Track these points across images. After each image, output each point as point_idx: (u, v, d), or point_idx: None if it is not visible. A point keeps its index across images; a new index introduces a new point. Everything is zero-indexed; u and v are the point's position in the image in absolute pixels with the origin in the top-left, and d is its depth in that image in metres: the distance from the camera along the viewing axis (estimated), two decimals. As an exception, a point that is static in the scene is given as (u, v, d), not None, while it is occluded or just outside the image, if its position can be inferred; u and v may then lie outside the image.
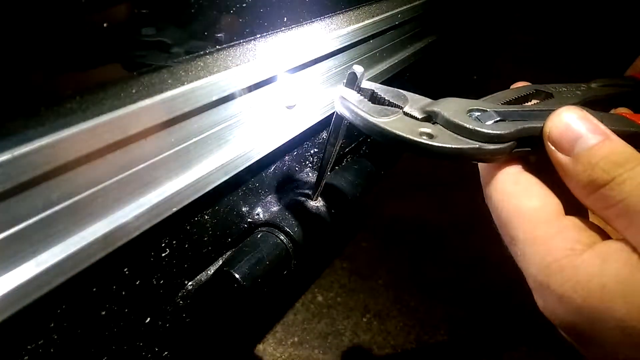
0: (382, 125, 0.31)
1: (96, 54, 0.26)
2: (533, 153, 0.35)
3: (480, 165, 0.35)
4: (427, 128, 0.32)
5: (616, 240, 0.27)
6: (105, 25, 0.25)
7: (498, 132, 0.32)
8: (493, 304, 1.05)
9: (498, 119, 0.34)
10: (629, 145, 0.28)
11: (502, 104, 0.38)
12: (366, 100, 0.34)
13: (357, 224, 1.30)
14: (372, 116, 0.32)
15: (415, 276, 1.14)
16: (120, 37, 0.27)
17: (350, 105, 0.33)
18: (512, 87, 0.42)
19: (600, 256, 0.26)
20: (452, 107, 0.34)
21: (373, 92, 0.35)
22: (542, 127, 0.32)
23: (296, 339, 0.97)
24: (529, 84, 0.43)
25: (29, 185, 0.23)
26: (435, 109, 0.34)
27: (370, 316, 1.02)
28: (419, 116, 0.33)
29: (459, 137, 0.32)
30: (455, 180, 1.54)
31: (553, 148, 0.30)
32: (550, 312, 0.28)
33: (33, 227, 0.24)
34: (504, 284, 1.11)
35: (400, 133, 0.31)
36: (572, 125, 0.30)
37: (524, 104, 0.39)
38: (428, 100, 0.35)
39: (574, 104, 0.37)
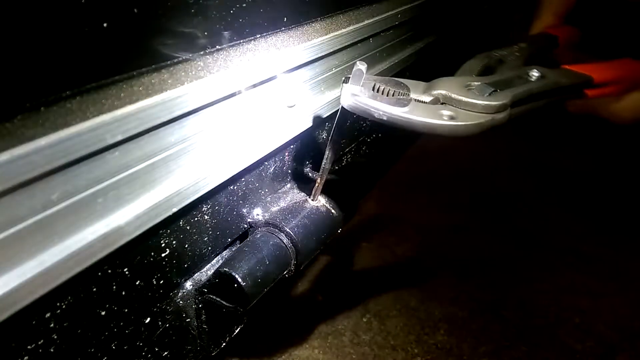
0: (408, 115, 0.34)
1: (96, 53, 0.26)
2: (521, 112, 0.41)
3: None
4: (445, 110, 0.35)
5: None
6: (105, 24, 0.25)
7: (502, 102, 0.37)
8: (493, 303, 1.05)
9: (492, 90, 0.38)
10: None
11: (475, 75, 0.45)
12: (380, 94, 0.36)
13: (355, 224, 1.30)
14: (395, 109, 0.34)
15: (415, 276, 1.14)
16: (119, 36, 0.27)
17: (368, 101, 0.34)
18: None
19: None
20: (452, 87, 0.37)
21: (374, 84, 0.36)
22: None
23: (296, 339, 0.96)
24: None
25: (29, 185, 0.23)
26: (442, 91, 0.37)
27: (370, 316, 1.02)
28: (427, 100, 0.37)
29: (473, 112, 0.36)
30: (455, 180, 1.54)
31: None
32: None
33: (33, 227, 0.24)
34: (503, 283, 1.11)
35: (428, 120, 0.34)
36: None
37: (497, 74, 0.46)
38: (423, 83, 0.39)
39: (520, 63, 0.49)
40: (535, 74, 0.44)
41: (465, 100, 0.36)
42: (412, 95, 0.36)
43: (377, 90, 0.36)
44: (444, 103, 0.37)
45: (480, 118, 0.35)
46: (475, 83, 0.39)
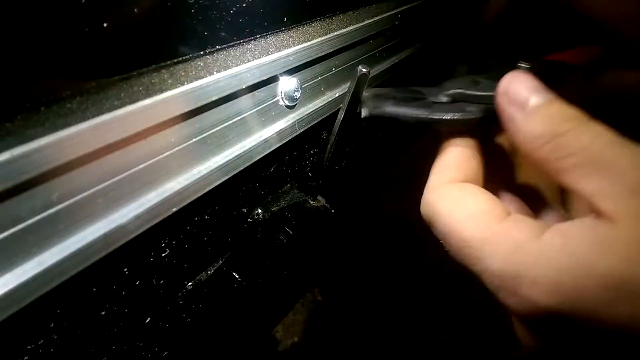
0: (447, 117, 0.37)
1: (96, 53, 0.26)
2: None
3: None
4: (467, 107, 0.39)
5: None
6: (105, 24, 0.25)
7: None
8: (494, 303, 1.05)
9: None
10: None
11: (468, 73, 0.47)
12: (402, 102, 0.39)
13: (356, 224, 1.30)
14: (420, 111, 0.38)
15: (416, 276, 1.14)
16: (119, 36, 0.27)
17: (393, 110, 0.38)
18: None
19: (561, 233, 0.27)
20: (463, 85, 0.40)
21: (394, 95, 0.40)
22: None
23: (296, 339, 0.97)
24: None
25: (29, 185, 0.23)
26: (457, 90, 0.40)
27: (370, 316, 1.02)
28: (444, 100, 0.40)
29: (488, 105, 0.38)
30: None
31: (506, 102, 0.32)
32: (527, 302, 0.28)
33: (33, 227, 0.24)
34: (504, 284, 1.11)
35: (447, 117, 0.37)
36: (526, 82, 0.31)
37: (490, 68, 0.47)
38: (433, 88, 0.42)
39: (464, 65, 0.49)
40: (524, 65, 0.48)
41: (482, 95, 0.39)
42: (430, 99, 0.39)
43: (396, 100, 0.39)
44: (461, 101, 0.40)
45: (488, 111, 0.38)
46: (482, 80, 0.42)
